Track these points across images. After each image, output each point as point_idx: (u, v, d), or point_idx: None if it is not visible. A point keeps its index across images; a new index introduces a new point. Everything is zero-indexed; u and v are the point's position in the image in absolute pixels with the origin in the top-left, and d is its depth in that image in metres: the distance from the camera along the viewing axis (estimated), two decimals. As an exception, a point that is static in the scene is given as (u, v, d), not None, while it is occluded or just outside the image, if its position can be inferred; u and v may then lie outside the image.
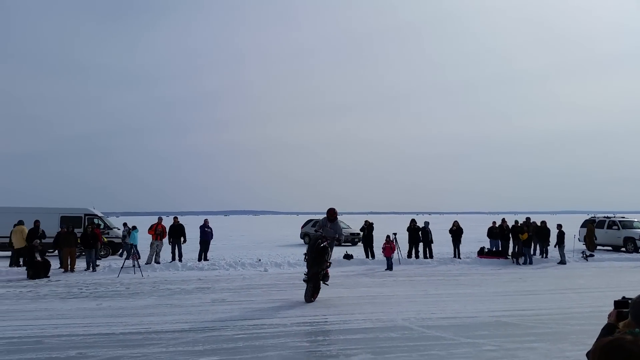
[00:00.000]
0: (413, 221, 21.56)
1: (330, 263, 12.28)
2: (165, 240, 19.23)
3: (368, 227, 21.57)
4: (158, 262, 18.35)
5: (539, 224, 21.70)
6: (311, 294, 11.51)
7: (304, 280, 11.84)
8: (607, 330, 2.90)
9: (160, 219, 19.64)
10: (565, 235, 20.79)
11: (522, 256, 20.14)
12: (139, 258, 16.84)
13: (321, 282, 11.80)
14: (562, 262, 20.08)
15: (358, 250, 22.97)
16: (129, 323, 9.20)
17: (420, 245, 21.07)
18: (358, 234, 28.08)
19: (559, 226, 21.08)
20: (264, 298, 11.93)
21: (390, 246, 18.42)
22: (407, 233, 21.13)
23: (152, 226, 19.14)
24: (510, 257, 20.93)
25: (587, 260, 21.00)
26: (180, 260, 18.83)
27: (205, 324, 9.07)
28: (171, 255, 19.15)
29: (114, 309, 10.68)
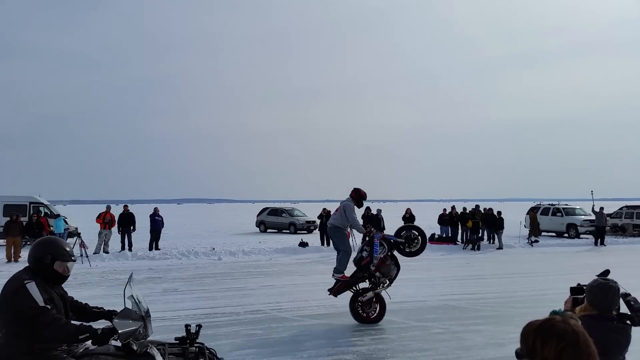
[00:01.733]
0: (368, 209, 21.85)
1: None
2: (115, 229, 18.75)
3: (325, 215, 21.70)
4: (107, 252, 17.88)
5: (486, 211, 22.45)
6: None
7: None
8: None
9: (108, 207, 19.12)
10: (505, 222, 21.61)
11: (472, 242, 20.80)
12: (87, 248, 16.33)
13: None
14: (500, 247, 20.88)
15: (314, 238, 23.12)
16: (76, 314, 8.92)
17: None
18: (314, 221, 28.23)
19: (499, 213, 21.89)
20: (217, 287, 11.83)
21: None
22: (363, 220, 21.39)
23: (100, 215, 18.63)
24: (459, 242, 21.63)
25: (532, 245, 21.92)
26: (130, 249, 18.40)
27: (156, 314, 8.86)
28: (120, 244, 18.68)
29: (60, 300, 10.33)
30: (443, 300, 10.12)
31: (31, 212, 21.14)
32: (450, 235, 22.19)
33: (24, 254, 17.29)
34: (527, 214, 26.59)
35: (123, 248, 18.50)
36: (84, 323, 3.25)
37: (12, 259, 16.46)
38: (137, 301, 3.55)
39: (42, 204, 22.73)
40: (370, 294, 8.31)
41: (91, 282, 12.58)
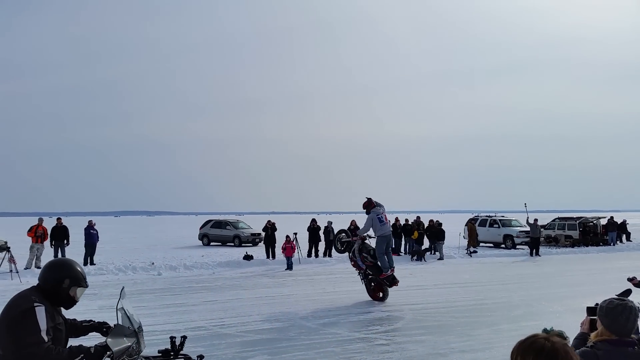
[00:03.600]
0: (313, 221, 21.88)
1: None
2: (47, 243, 17.79)
3: (271, 227, 21.52)
4: (39, 267, 16.90)
5: (427, 222, 23.03)
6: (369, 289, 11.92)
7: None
8: (580, 340, 2.71)
9: (40, 220, 18.14)
10: (446, 233, 22.28)
11: (419, 254, 21.23)
12: (15, 263, 15.38)
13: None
14: (441, 257, 21.50)
15: (259, 251, 22.84)
16: (2, 335, 8.34)
17: (321, 244, 21.47)
18: (259, 234, 27.94)
19: (439, 224, 22.54)
20: (156, 303, 11.42)
21: (290, 246, 18.52)
22: (308, 233, 21.42)
23: (31, 228, 17.64)
24: (402, 253, 22.05)
25: (470, 256, 22.63)
26: (64, 264, 17.48)
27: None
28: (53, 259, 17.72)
29: (-16, 320, 9.63)
30: (387, 311, 10.23)
31: (-47, 225, 19.74)
32: (393, 246, 22.55)
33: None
34: (466, 225, 27.48)
35: (56, 263, 17.56)
36: (75, 345, 3.07)
37: None
38: (128, 316, 3.43)
39: (-34, 216, 21.28)
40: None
41: (19, 300, 11.81)
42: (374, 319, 9.49)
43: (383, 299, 11.42)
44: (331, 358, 6.99)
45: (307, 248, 21.43)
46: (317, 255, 21.21)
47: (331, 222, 22.46)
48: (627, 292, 3.36)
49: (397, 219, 23.58)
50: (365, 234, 12.11)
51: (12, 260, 15.18)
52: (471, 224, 26.43)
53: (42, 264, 17.17)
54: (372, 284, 11.76)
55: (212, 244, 30.56)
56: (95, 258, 18.76)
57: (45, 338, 2.93)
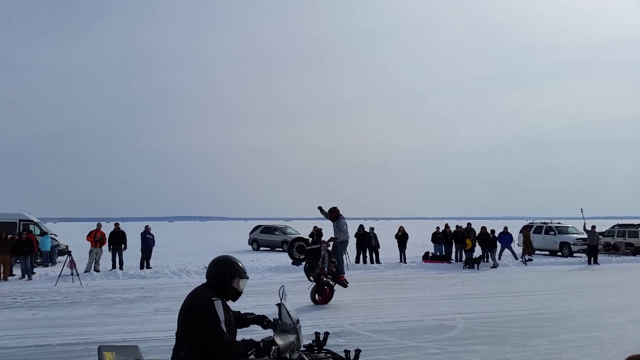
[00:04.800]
0: (361, 227, 21.81)
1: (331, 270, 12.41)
2: (105, 247, 18.57)
3: (317, 233, 21.62)
4: (97, 270, 17.66)
5: (479, 230, 22.48)
6: (315, 292, 12.01)
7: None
8: None
9: (99, 225, 18.95)
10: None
11: (474, 262, 20.71)
12: (76, 266, 16.13)
13: (334, 283, 12.26)
14: (495, 265, 20.90)
15: (306, 256, 22.98)
16: (67, 334, 8.77)
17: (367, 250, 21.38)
18: (307, 239, 28.10)
19: (492, 232, 21.94)
20: (210, 306, 11.68)
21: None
22: (355, 239, 21.37)
23: (90, 233, 18.46)
24: (453, 261, 21.63)
25: (525, 264, 21.91)
26: (121, 268, 18.19)
27: (148, 334, 8.78)
28: (111, 263, 18.47)
29: (51, 319, 10.16)
30: (439, 319, 10.05)
31: (21, 229, 20.91)
32: (444, 253, 22.15)
33: (16, 272, 17.10)
34: (520, 232, 26.62)
35: (114, 267, 18.30)
36: (247, 339, 3.42)
37: (2, 277, 16.21)
38: (288, 311, 3.74)
39: (32, 221, 22.50)
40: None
41: (82, 301, 12.39)
42: (426, 327, 9.34)
43: (327, 302, 12.00)
44: (382, 365, 6.93)
45: (355, 254, 21.37)
46: (365, 262, 21.11)
47: (373, 228, 22.31)
48: None
49: (447, 226, 23.16)
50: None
51: (72, 264, 15.93)
52: (526, 231, 25.60)
53: (101, 267, 17.97)
54: (326, 287, 12.13)
55: (261, 249, 31.00)
56: (151, 262, 19.40)
57: (225, 329, 3.28)
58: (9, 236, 17.07)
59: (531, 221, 30.31)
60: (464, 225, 23.09)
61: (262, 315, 3.89)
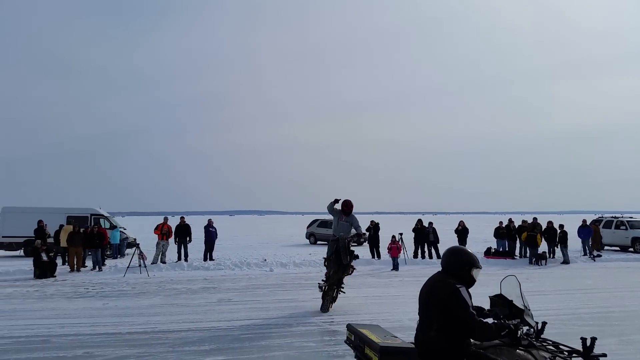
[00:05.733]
0: (419, 221, 21.50)
1: (354, 268, 10.93)
2: (171, 240, 19.27)
3: (374, 228, 21.53)
4: (164, 262, 18.38)
5: (546, 224, 21.61)
6: (329, 304, 10.41)
7: (320, 288, 10.56)
8: None
9: (165, 219, 19.68)
10: (569, 235, 20.73)
11: (538, 257, 19.97)
12: (146, 258, 16.87)
13: (340, 291, 10.65)
14: (566, 261, 20.01)
15: (364, 251, 22.94)
16: (135, 323, 9.21)
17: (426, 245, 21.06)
18: (364, 233, 28.05)
19: (561, 226, 21.02)
20: (269, 298, 11.92)
21: (396, 246, 18.38)
22: (413, 233, 21.11)
23: (158, 226, 19.19)
24: (517, 257, 20.93)
25: (594, 260, 20.87)
26: (186, 260, 18.85)
27: (212, 324, 9.07)
28: (177, 255, 19.17)
29: (120, 308, 10.70)
30: (500, 316, 9.76)
31: (92, 223, 22.09)
32: (507, 249, 21.45)
33: (88, 263, 18.10)
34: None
35: (179, 258, 18.98)
36: (497, 322, 3.65)
37: (75, 268, 17.21)
38: (522, 297, 3.98)
39: (102, 215, 23.70)
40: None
41: (149, 292, 12.95)
42: (487, 324, 9.09)
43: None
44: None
45: (413, 249, 21.12)
46: (423, 257, 20.82)
47: (432, 223, 21.92)
48: None
49: (510, 220, 22.41)
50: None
51: (141, 256, 16.67)
52: (595, 226, 24.36)
53: (167, 259, 18.69)
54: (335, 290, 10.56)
55: (318, 242, 31.21)
56: (214, 254, 19.99)
57: (474, 312, 3.55)
58: (82, 229, 18.06)
59: (600, 215, 28.79)
60: (530, 220, 22.25)
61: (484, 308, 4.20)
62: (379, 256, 20.62)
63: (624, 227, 25.30)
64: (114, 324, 9.08)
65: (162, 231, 18.93)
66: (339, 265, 10.23)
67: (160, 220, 19.94)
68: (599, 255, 21.60)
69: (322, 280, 10.73)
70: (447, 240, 23.11)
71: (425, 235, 21.08)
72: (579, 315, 9.91)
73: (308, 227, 32.95)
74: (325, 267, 10.88)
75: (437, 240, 21.12)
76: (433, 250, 20.97)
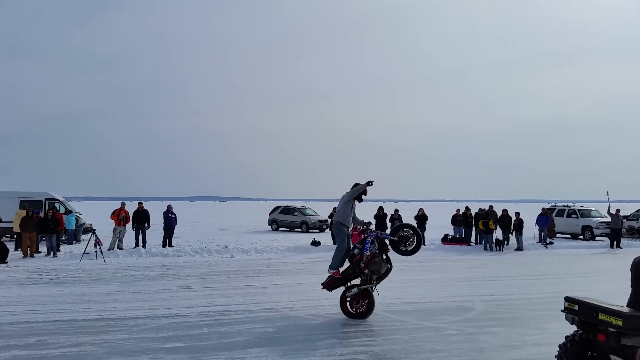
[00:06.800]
0: (380, 208, 21.79)
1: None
2: (129, 226, 18.89)
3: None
4: (121, 248, 18.01)
5: (500, 212, 22.25)
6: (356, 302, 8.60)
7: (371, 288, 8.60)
8: None
9: (123, 204, 19.25)
10: (524, 223, 21.45)
11: (499, 244, 20.62)
12: (102, 244, 16.47)
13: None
14: (520, 248, 20.73)
15: (326, 237, 23.11)
16: (91, 309, 9.02)
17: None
18: (326, 220, 28.24)
19: (517, 214, 21.69)
20: (230, 284, 11.87)
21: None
22: (375, 220, 21.37)
23: (115, 211, 18.76)
24: (472, 243, 21.50)
25: (546, 247, 21.67)
26: (144, 246, 18.52)
27: (170, 311, 8.97)
28: (135, 241, 18.81)
29: (76, 295, 10.44)
30: (457, 301, 10.04)
31: (47, 208, 21.39)
32: (463, 236, 22.01)
33: (42, 249, 17.54)
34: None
35: (137, 245, 18.63)
36: None
37: (28, 254, 16.65)
38: None
39: (58, 200, 22.98)
40: (355, 290, 8.50)
41: (106, 278, 12.68)
42: (444, 309, 9.34)
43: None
44: (399, 345, 6.99)
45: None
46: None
47: (397, 210, 22.27)
48: None
49: (467, 208, 22.98)
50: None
51: (98, 242, 16.26)
52: (548, 214, 25.26)
53: (124, 245, 18.32)
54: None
55: (280, 229, 31.24)
56: (173, 240, 19.71)
57: None
58: (35, 214, 17.46)
59: (553, 204, 29.87)
60: (486, 208, 22.88)
61: None
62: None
63: (575, 216, 26.33)
64: (69, 311, 8.86)
65: (119, 217, 18.51)
66: (388, 261, 8.65)
67: (117, 205, 19.48)
68: (551, 243, 22.44)
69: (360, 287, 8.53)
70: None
71: (386, 222, 21.38)
72: (530, 300, 10.30)
73: (270, 213, 32.88)
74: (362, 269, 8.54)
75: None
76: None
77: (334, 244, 20.31)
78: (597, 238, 24.85)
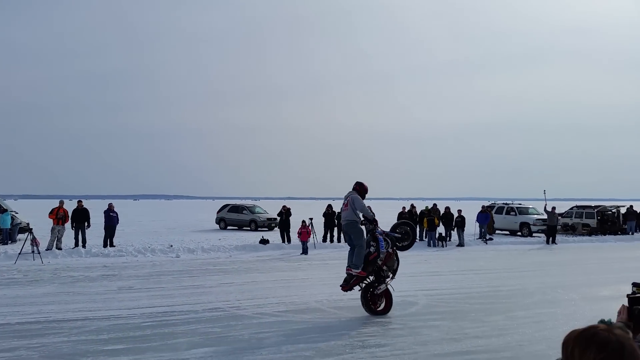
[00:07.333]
0: (329, 206, 21.95)
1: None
2: (68, 225, 18.16)
3: (285, 213, 21.66)
4: (60, 248, 17.29)
5: (443, 209, 22.94)
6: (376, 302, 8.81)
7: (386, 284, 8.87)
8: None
9: (61, 203, 18.49)
10: (466, 220, 22.21)
11: (442, 240, 21.24)
12: (39, 244, 15.75)
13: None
14: (461, 244, 21.47)
15: (275, 235, 23.06)
16: (27, 312, 8.61)
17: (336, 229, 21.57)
18: (275, 218, 28.14)
19: (459, 211, 22.43)
20: (174, 285, 11.63)
21: (306, 231, 18.66)
22: (324, 218, 21.54)
23: (53, 210, 18.00)
24: (418, 240, 22.05)
25: (486, 243, 22.52)
26: (84, 246, 17.86)
27: (111, 312, 8.70)
28: (74, 241, 18.11)
29: (10, 297, 9.94)
30: (401, 296, 10.26)
31: (-21, 206, 20.25)
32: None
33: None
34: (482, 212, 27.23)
35: (77, 244, 17.94)
36: None
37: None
38: None
39: (-9, 198, 21.78)
40: (383, 287, 8.77)
41: (43, 279, 12.14)
42: (388, 304, 9.54)
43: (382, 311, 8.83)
44: (345, 340, 7.09)
45: (323, 233, 21.56)
46: (332, 241, 21.32)
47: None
48: None
49: (412, 206, 23.54)
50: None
51: (34, 241, 15.54)
52: (488, 211, 26.25)
53: (63, 245, 17.60)
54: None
55: (228, 228, 30.88)
56: (115, 240, 19.10)
57: None
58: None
59: (493, 202, 31.05)
60: (430, 206, 23.52)
61: None
62: (289, 240, 20.82)
63: (513, 213, 27.48)
64: (3, 314, 8.42)
65: (58, 215, 17.77)
66: (397, 257, 9.17)
67: (55, 203, 18.69)
68: (491, 239, 23.35)
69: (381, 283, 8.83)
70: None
71: (335, 220, 21.55)
72: (470, 294, 10.69)
73: (218, 212, 32.43)
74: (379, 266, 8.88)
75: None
76: (342, 235, 21.53)
77: (289, 242, 20.38)
78: (534, 234, 25.99)
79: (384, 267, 8.84)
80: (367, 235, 9.14)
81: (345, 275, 8.95)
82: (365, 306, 8.73)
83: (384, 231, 9.18)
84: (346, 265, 9.01)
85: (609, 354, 1.44)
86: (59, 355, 6.32)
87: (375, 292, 8.75)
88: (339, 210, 21.84)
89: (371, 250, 8.86)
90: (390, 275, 8.96)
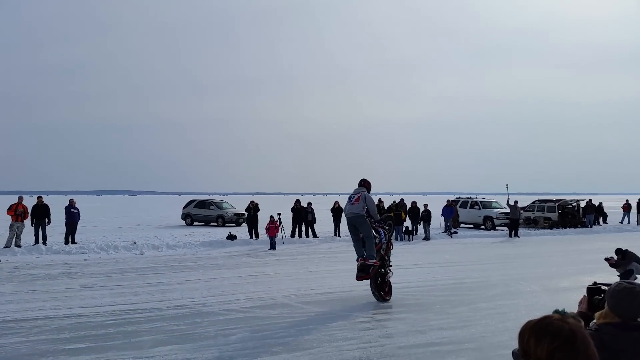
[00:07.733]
0: (297, 201, 21.93)
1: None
2: (27, 221, 17.59)
3: (253, 208, 21.53)
4: (19, 246, 16.74)
5: (410, 204, 23.26)
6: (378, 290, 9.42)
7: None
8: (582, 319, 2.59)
9: (20, 198, 17.88)
10: (432, 214, 22.56)
11: (408, 234, 21.56)
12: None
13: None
14: (427, 238, 21.82)
15: (242, 231, 22.89)
16: (-18, 313, 8.30)
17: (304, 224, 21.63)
18: (243, 214, 27.92)
19: (425, 206, 22.77)
20: (138, 282, 11.41)
21: (274, 226, 18.59)
22: (292, 213, 21.51)
23: (11, 206, 17.41)
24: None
25: (451, 237, 22.93)
26: (44, 243, 17.33)
27: (73, 310, 8.47)
28: (34, 238, 17.56)
29: (-37, 298, 9.57)
30: (368, 289, 10.34)
31: None
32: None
33: None
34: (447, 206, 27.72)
35: (37, 242, 17.40)
36: None
37: None
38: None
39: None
40: (391, 274, 9.68)
41: (1, 278, 11.72)
42: (355, 297, 9.63)
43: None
44: (313, 335, 7.10)
45: (291, 228, 21.54)
46: (300, 236, 21.33)
47: (310, 203, 22.50)
48: (630, 273, 3.44)
49: (380, 200, 23.73)
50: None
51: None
52: (453, 206, 26.72)
53: (22, 242, 17.04)
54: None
55: (195, 223, 30.46)
56: (77, 237, 18.59)
57: None
58: None
59: (458, 196, 31.59)
60: (397, 200, 23.78)
61: None
62: (257, 236, 20.71)
63: (477, 207, 28.04)
64: (-45, 316, 8.10)
65: (17, 212, 17.19)
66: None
67: (14, 199, 18.07)
68: (456, 232, 23.79)
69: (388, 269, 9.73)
70: (324, 219, 23.90)
71: (303, 215, 21.58)
72: (435, 286, 10.87)
73: (184, 207, 31.93)
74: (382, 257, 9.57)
75: (314, 220, 21.72)
76: (310, 230, 21.56)
77: (257, 238, 20.26)
78: (497, 228, 26.57)
79: (386, 257, 9.66)
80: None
81: (357, 265, 9.32)
82: (377, 293, 9.30)
83: (379, 224, 9.81)
84: (356, 257, 9.48)
85: (562, 342, 1.53)
86: (16, 357, 6.12)
87: (385, 280, 9.50)
88: (305, 206, 21.98)
89: (376, 241, 9.39)
90: (390, 263, 9.83)
